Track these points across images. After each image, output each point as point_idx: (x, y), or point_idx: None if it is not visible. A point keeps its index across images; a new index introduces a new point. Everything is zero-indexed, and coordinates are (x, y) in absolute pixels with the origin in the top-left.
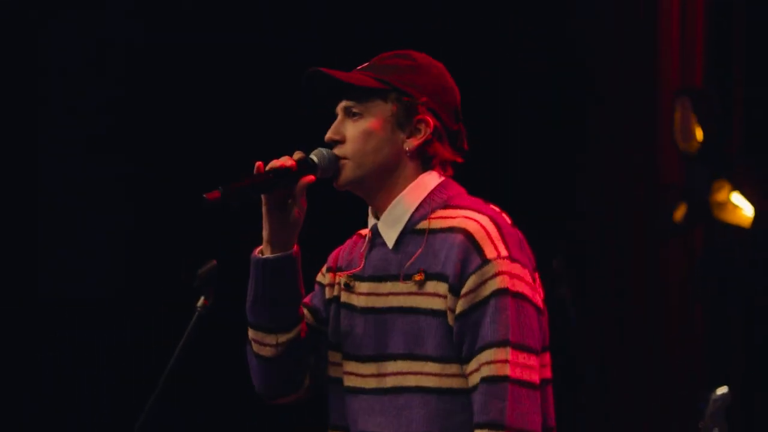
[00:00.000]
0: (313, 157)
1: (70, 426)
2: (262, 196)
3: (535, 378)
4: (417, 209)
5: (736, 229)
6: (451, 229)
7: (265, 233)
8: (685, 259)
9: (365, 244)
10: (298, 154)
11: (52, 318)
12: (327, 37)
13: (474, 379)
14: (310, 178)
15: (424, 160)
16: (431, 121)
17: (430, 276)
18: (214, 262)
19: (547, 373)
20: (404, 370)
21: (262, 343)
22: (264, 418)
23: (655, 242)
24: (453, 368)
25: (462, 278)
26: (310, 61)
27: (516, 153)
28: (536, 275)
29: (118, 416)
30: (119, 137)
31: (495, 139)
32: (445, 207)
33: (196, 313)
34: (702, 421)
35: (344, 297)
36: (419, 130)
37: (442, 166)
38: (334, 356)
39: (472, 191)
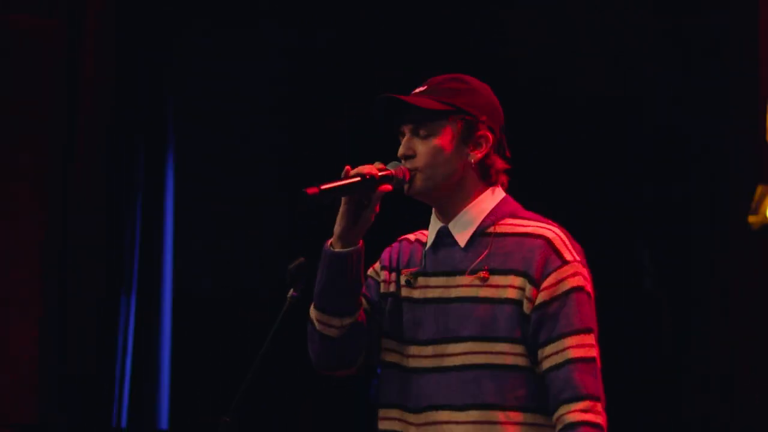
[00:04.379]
0: (390, 168)
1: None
2: (343, 197)
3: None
4: (488, 216)
5: None
6: (528, 235)
7: (337, 229)
8: None
9: (429, 244)
10: (379, 165)
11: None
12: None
13: (555, 360)
14: (388, 187)
15: (483, 170)
16: (490, 136)
17: (499, 271)
18: (303, 258)
19: None
20: (475, 350)
21: (328, 324)
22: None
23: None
24: (519, 348)
25: (543, 274)
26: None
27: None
28: None
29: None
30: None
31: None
32: (513, 217)
33: (287, 303)
34: None
35: (404, 292)
36: (481, 145)
37: (497, 175)
38: (393, 344)
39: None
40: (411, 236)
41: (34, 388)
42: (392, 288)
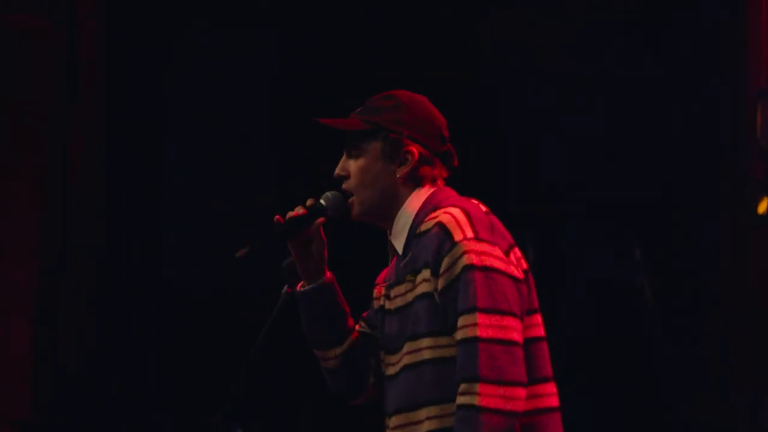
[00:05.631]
0: (322, 201)
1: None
2: (287, 242)
3: (512, 336)
4: (416, 216)
5: None
6: (432, 225)
7: (299, 270)
8: None
9: (390, 258)
10: (309, 201)
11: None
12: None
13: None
14: (321, 219)
15: (416, 183)
16: (415, 150)
17: (418, 270)
18: None
19: (538, 332)
20: (411, 349)
21: (324, 359)
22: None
23: (743, 235)
24: (443, 340)
25: (438, 261)
26: None
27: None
28: (514, 250)
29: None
30: None
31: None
32: (435, 209)
33: (281, 300)
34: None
35: (386, 305)
36: (407, 160)
37: (432, 183)
38: (381, 355)
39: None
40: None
41: (32, 386)
42: (381, 302)
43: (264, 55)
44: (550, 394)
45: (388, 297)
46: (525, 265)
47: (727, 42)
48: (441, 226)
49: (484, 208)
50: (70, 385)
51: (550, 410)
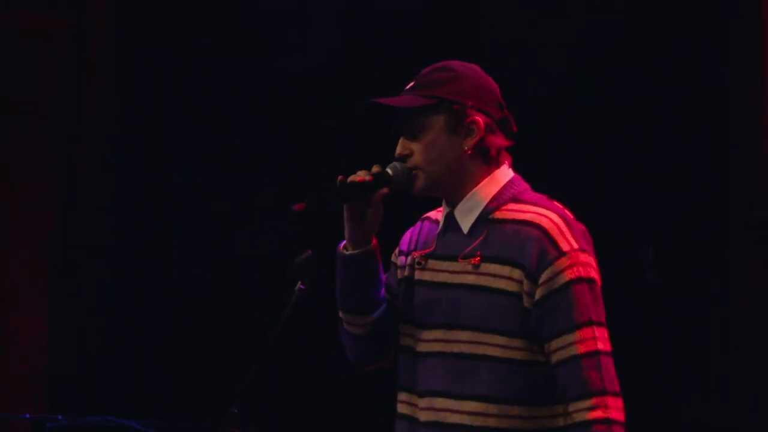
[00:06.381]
0: (389, 170)
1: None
2: (344, 205)
3: (610, 347)
4: (491, 201)
5: None
6: (525, 223)
7: (346, 232)
8: None
9: (440, 227)
10: (375, 168)
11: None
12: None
13: (560, 356)
14: (384, 190)
15: (484, 154)
16: (480, 120)
17: (495, 260)
18: (310, 251)
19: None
20: (474, 340)
21: (352, 324)
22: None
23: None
24: (516, 342)
25: (539, 268)
26: None
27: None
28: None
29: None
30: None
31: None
32: (515, 201)
33: (294, 296)
34: None
35: (417, 275)
36: (473, 131)
37: (498, 154)
38: (405, 327)
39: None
40: (432, 214)
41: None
42: (407, 272)
43: (264, 55)
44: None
45: (421, 266)
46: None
47: (739, 42)
48: (543, 230)
49: (570, 214)
50: (70, 385)
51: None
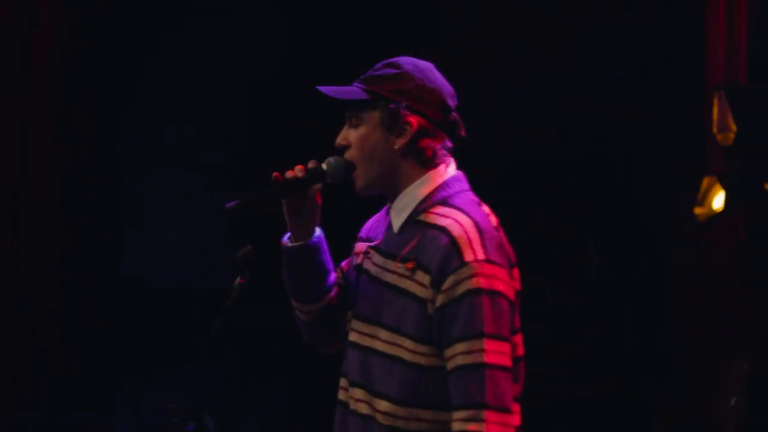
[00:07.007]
0: (324, 165)
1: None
2: (282, 201)
3: (508, 362)
4: (420, 203)
5: None
6: (441, 229)
7: (288, 225)
8: (729, 242)
9: (387, 223)
10: (311, 163)
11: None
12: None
13: (450, 365)
14: (318, 186)
15: (419, 154)
16: (414, 121)
17: (420, 266)
18: (250, 246)
19: (520, 351)
20: (390, 340)
21: (300, 310)
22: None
23: (700, 227)
24: (423, 348)
25: (443, 276)
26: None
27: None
28: (514, 271)
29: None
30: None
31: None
32: (444, 204)
33: (234, 290)
34: (723, 392)
35: (366, 264)
36: (405, 131)
37: (434, 156)
38: (348, 313)
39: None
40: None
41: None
42: (359, 260)
43: (248, 55)
44: (517, 413)
45: (369, 258)
46: (519, 287)
47: (687, 39)
48: (451, 239)
49: (494, 221)
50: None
51: (517, 429)
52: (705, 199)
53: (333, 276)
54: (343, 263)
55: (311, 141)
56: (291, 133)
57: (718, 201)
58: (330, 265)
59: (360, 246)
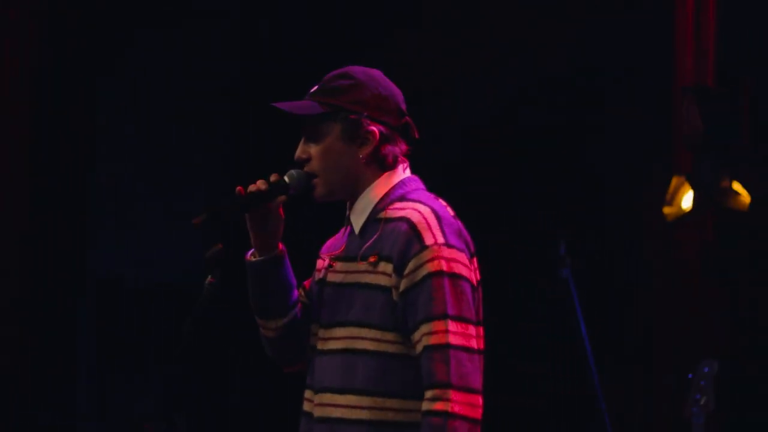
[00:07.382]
0: (286, 178)
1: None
2: (245, 215)
3: (473, 344)
4: (379, 202)
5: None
6: (400, 219)
7: (252, 241)
8: (697, 241)
9: (347, 233)
10: (273, 176)
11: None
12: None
13: (419, 348)
14: (282, 198)
15: (381, 161)
16: (376, 130)
17: (382, 257)
18: (220, 245)
19: (480, 345)
20: (354, 335)
21: (264, 327)
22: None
23: (668, 227)
24: (389, 335)
25: (404, 261)
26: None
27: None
28: (474, 260)
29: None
30: None
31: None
32: (402, 200)
33: (204, 289)
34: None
35: (329, 277)
36: (368, 140)
37: (395, 161)
38: (312, 326)
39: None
40: None
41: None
42: (322, 274)
43: (210, 52)
44: (481, 406)
45: (332, 269)
46: (479, 276)
47: (657, 40)
48: (411, 224)
49: (451, 211)
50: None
51: (479, 422)
52: (674, 198)
53: (296, 292)
54: (306, 282)
55: (275, 140)
56: (256, 132)
57: (687, 201)
58: (293, 280)
59: (321, 262)
